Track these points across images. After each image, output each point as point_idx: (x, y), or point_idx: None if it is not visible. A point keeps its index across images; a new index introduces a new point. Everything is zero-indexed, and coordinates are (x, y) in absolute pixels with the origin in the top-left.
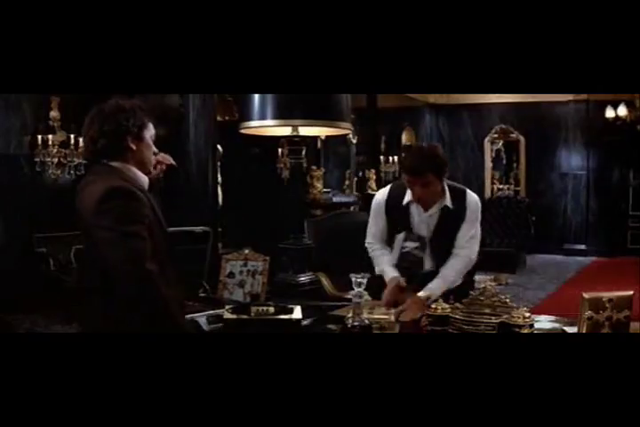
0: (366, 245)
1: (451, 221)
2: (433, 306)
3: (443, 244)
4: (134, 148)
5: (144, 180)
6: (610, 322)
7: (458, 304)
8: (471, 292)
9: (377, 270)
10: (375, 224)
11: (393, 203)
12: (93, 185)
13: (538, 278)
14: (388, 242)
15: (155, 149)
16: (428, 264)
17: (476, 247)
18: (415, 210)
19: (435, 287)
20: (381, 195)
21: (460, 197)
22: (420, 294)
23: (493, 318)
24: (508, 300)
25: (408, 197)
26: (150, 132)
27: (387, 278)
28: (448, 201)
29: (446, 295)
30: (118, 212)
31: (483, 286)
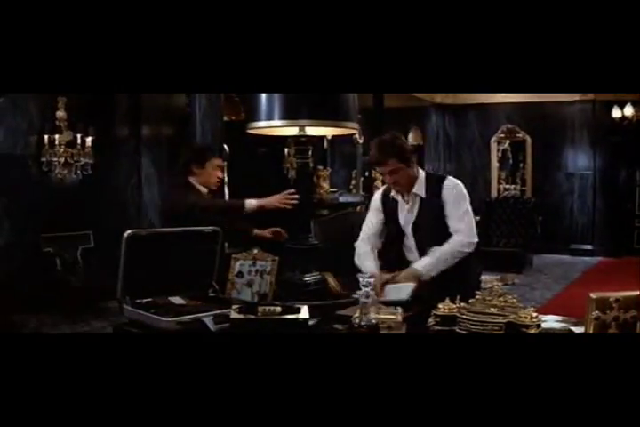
0: (356, 244)
1: (429, 209)
2: (440, 306)
3: (425, 235)
4: None
5: None
6: (617, 322)
7: (464, 304)
8: (477, 292)
9: (357, 264)
10: (369, 220)
11: (385, 198)
12: None
13: (544, 278)
14: (378, 243)
15: None
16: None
17: (472, 227)
18: (401, 204)
19: (426, 264)
20: (380, 191)
21: (436, 183)
22: (415, 266)
23: (500, 318)
24: (515, 300)
25: (394, 190)
26: None
27: (366, 270)
28: (421, 188)
29: (452, 295)
30: None
31: (489, 286)
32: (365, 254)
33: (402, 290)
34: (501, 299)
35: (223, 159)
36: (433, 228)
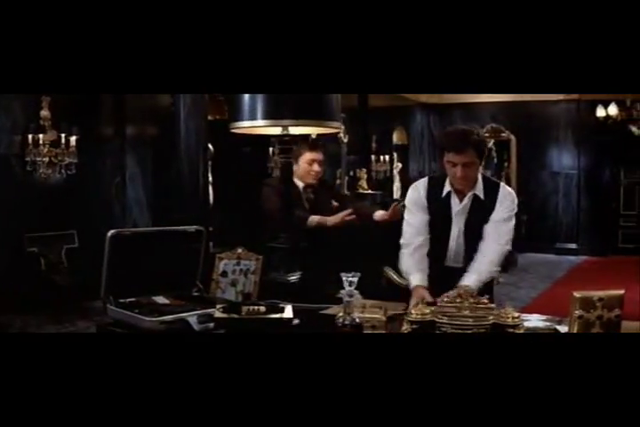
0: (402, 241)
1: (481, 213)
2: (412, 311)
3: (474, 238)
4: None
5: None
6: (601, 321)
7: (437, 307)
8: (444, 295)
9: (401, 269)
10: (414, 217)
11: (433, 195)
12: None
13: (529, 277)
14: (427, 243)
15: None
16: (452, 260)
17: (509, 236)
18: (453, 202)
19: (471, 283)
20: (420, 187)
21: (493, 189)
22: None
23: (472, 320)
24: (486, 300)
25: (447, 187)
26: None
27: (411, 285)
28: (480, 190)
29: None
30: None
31: (460, 289)
32: (412, 260)
33: None
34: (472, 300)
35: (320, 151)
36: (481, 228)
